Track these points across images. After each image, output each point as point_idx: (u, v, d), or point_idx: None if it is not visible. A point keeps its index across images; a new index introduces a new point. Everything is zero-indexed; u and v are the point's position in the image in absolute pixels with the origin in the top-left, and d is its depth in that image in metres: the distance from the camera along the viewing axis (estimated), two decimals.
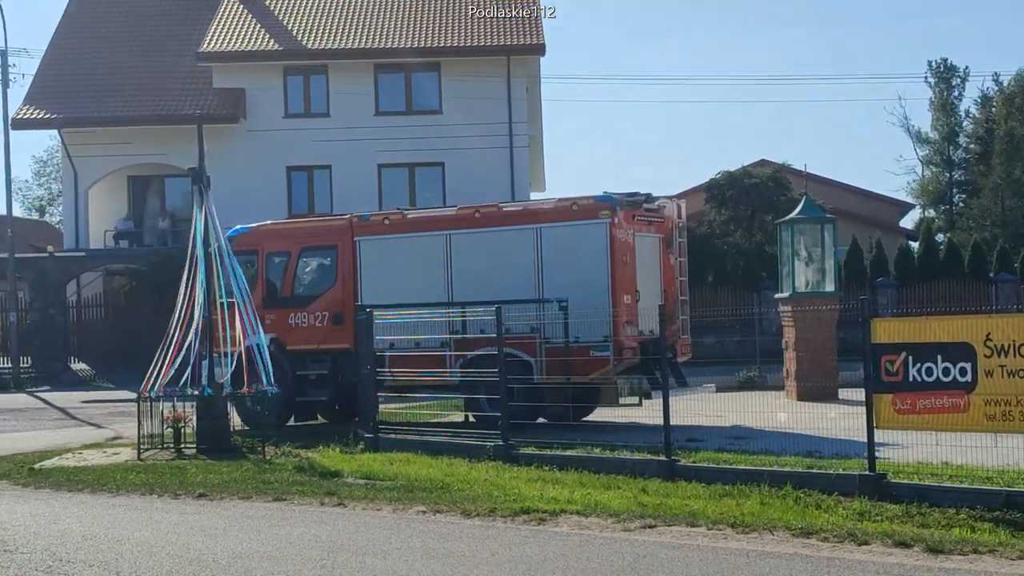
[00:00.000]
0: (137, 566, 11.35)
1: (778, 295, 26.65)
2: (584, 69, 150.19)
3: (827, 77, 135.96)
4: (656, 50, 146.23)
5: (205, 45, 44.06)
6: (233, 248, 23.51)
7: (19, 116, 43.75)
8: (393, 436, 20.25)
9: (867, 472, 14.31)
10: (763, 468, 15.29)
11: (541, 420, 21.91)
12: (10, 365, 40.05)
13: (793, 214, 27.00)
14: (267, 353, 20.93)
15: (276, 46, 44.46)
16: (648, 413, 19.23)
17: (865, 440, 14.38)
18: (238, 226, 25.43)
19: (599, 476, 16.15)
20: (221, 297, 20.95)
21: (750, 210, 43.22)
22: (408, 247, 22.64)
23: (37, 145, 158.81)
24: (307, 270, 24.94)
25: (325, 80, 44.60)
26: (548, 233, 21.88)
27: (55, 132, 46.91)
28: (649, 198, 22.60)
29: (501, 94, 43.83)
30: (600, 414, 22.38)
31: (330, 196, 44.13)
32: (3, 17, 41.28)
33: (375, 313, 20.95)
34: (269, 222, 26.78)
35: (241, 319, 20.76)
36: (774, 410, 20.90)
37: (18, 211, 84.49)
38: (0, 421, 27.47)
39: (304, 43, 44.53)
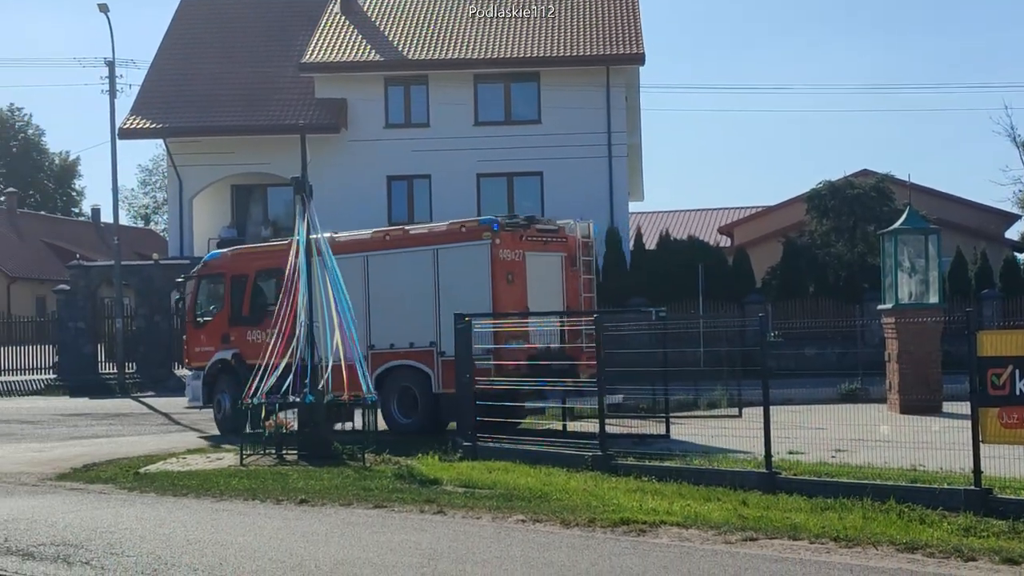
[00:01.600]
0: (240, 571, 11.47)
1: (881, 307, 26.28)
2: (684, 79, 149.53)
3: (931, 86, 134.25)
4: (757, 59, 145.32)
5: (308, 56, 44.52)
6: (203, 272, 25.33)
7: (126, 126, 44.54)
8: (491, 444, 20.28)
9: (973, 487, 14.07)
10: (866, 481, 15.09)
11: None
12: (116, 371, 40.74)
13: (896, 224, 26.62)
14: (363, 361, 21.10)
15: (377, 56, 44.80)
16: (746, 425, 19.09)
17: (971, 454, 14.14)
18: (211, 252, 26.53)
19: (698, 488, 16.03)
20: (324, 305, 21.14)
21: (852, 220, 42.65)
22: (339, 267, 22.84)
23: (143, 154, 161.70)
24: (261, 291, 26.44)
25: (425, 90, 44.84)
26: (443, 254, 23.66)
27: (160, 142, 47.72)
28: (533, 220, 24.25)
29: (600, 103, 43.76)
30: (691, 427, 22.21)
31: (429, 205, 44.34)
32: (111, 29, 42.04)
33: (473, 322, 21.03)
34: (235, 248, 28.72)
35: (341, 328, 20.92)
36: (876, 423, 20.66)
37: (124, 219, 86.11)
38: (106, 426, 27.96)
39: (405, 53, 44.82)
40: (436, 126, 44.36)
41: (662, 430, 21.06)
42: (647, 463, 17.77)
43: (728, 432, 19.26)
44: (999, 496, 13.98)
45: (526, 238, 23.61)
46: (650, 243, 45.67)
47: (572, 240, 24.34)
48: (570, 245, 24.27)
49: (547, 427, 22.89)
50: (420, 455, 20.34)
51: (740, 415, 22.47)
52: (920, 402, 23.48)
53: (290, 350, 20.98)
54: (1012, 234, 58.87)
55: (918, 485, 14.83)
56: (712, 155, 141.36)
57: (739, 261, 42.30)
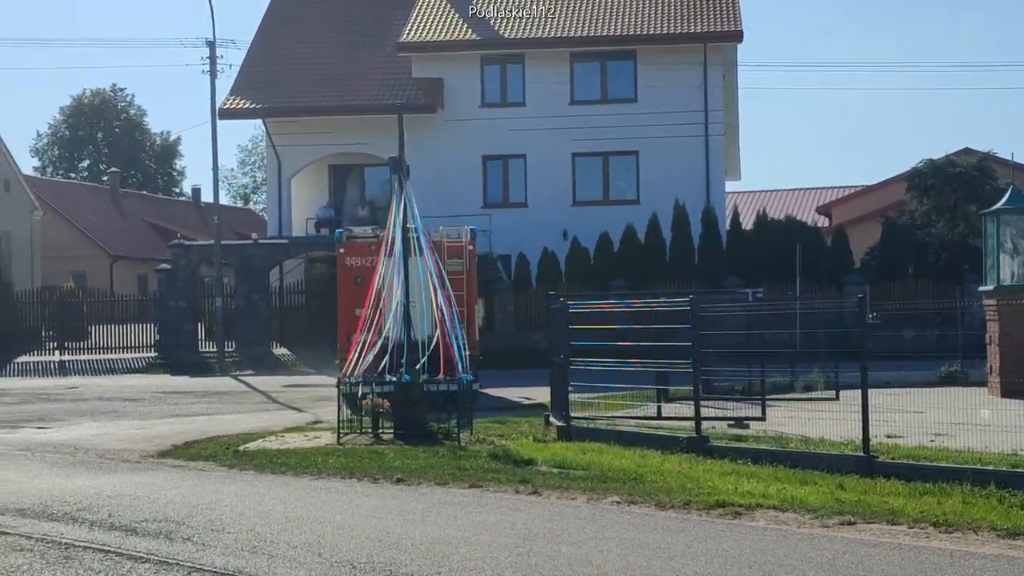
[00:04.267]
0: (338, 548, 11.60)
1: (982, 288, 25.88)
2: (782, 56, 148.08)
3: None
4: (855, 36, 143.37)
5: (405, 35, 44.74)
6: None
7: (226, 106, 45.05)
8: (585, 425, 20.31)
9: None
10: (965, 466, 14.90)
11: None
12: (215, 349, 41.33)
13: (999, 204, 26.16)
14: (464, 342, 21.21)
15: (474, 36, 44.89)
16: (843, 408, 18.93)
17: None
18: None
19: (794, 471, 15.92)
20: (420, 285, 21.30)
21: (953, 200, 42.08)
22: None
23: (242, 135, 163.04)
24: None
25: (521, 70, 44.88)
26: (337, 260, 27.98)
27: (259, 122, 48.26)
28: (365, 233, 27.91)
29: (697, 82, 43.52)
30: (787, 410, 22.04)
31: (524, 185, 44.44)
32: (212, 9, 42.59)
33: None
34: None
35: (438, 308, 21.06)
36: (976, 406, 20.37)
37: (224, 199, 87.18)
38: (206, 404, 28.38)
39: (501, 32, 44.87)
40: (532, 105, 44.40)
41: (758, 413, 20.95)
42: (743, 445, 17.70)
43: (825, 415, 19.09)
44: None
45: (374, 247, 25.03)
46: (747, 223, 45.37)
47: (441, 244, 25.58)
48: (439, 248, 24.80)
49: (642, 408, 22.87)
50: (514, 436, 20.45)
51: (837, 398, 22.24)
52: (1022, 386, 23.10)
53: (386, 329, 21.14)
54: None
55: (1019, 470, 14.62)
56: (810, 134, 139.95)
57: (837, 241, 41.92)
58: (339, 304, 27.45)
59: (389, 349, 21.11)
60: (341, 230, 28.83)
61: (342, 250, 27.67)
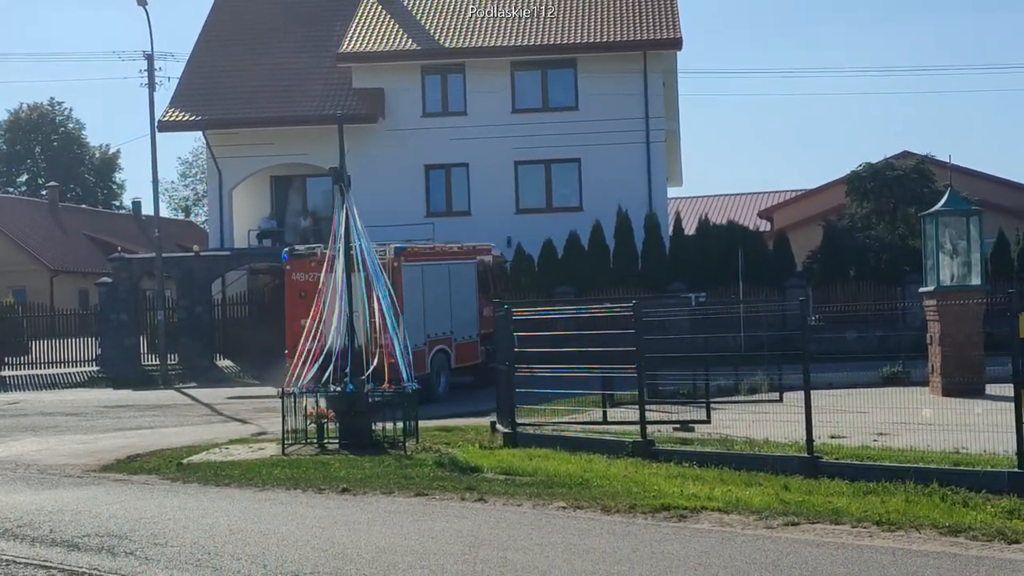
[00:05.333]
0: (283, 560, 11.54)
1: (922, 289, 26.14)
2: (722, 63, 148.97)
3: (971, 67, 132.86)
4: (795, 42, 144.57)
5: (345, 46, 44.60)
6: None
7: (165, 119, 44.71)
8: (531, 432, 20.33)
9: (1016, 469, 14.03)
10: (908, 465, 15.05)
11: None
12: (158, 362, 40.99)
13: (937, 206, 26.45)
14: (409, 351, 21.17)
15: (414, 46, 44.81)
16: (787, 409, 19.05)
17: (1014, 436, 14.06)
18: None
19: (739, 473, 16.02)
20: (362, 294, 21.26)
21: (892, 203, 42.41)
22: None
23: (183, 147, 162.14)
24: None
25: (462, 79, 44.82)
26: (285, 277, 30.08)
27: (200, 134, 47.87)
28: (319, 248, 28.66)
29: (638, 89, 43.64)
30: (732, 412, 22.14)
31: (467, 194, 44.39)
32: (149, 22, 42.23)
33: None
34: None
35: (382, 318, 21.03)
36: (918, 406, 20.55)
37: (165, 212, 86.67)
38: (150, 417, 28.14)
39: (441, 42, 44.83)
40: (473, 114, 44.35)
41: (703, 416, 21.04)
42: (688, 448, 17.78)
43: (769, 417, 19.22)
44: None
45: (315, 263, 27.40)
46: (689, 228, 45.53)
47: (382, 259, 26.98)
48: (387, 264, 26.96)
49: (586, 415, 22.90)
50: (460, 443, 20.43)
51: (781, 400, 22.39)
52: (962, 385, 23.36)
53: (329, 340, 21.09)
54: None
55: (961, 468, 14.78)
56: (751, 139, 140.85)
57: (779, 245, 42.13)
58: (287, 318, 28.81)
59: (333, 359, 21.07)
60: (287, 249, 30.69)
61: (288, 267, 29.51)
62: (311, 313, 21.80)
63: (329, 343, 21.15)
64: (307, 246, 30.82)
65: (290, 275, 29.39)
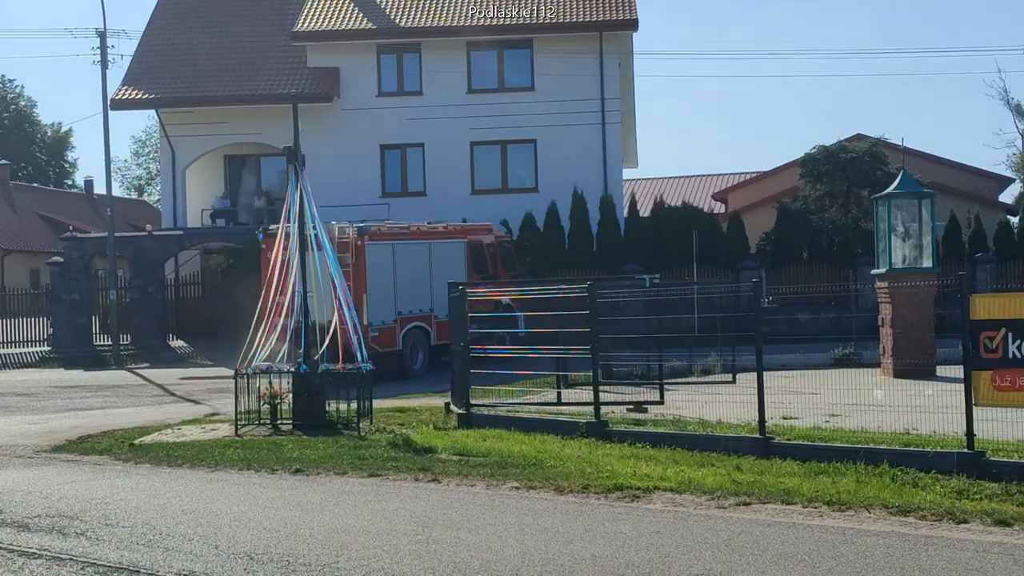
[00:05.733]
0: (235, 540, 11.51)
1: (874, 271, 26.31)
2: (678, 44, 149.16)
3: (925, 50, 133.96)
4: (751, 23, 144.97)
5: (299, 24, 44.34)
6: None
7: (118, 97, 44.32)
8: (485, 413, 20.35)
9: (965, 450, 14.15)
10: (859, 446, 15.18)
11: None
12: (111, 343, 40.74)
13: (890, 189, 26.61)
14: (360, 331, 21.14)
15: (369, 24, 44.61)
16: (740, 390, 19.15)
17: (963, 418, 14.20)
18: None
19: (692, 453, 16.11)
20: (317, 275, 21.20)
21: (846, 185, 42.63)
22: None
23: (136, 125, 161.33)
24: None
25: (418, 58, 44.67)
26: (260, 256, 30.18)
27: (153, 112, 47.53)
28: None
29: (593, 70, 43.64)
30: (685, 394, 22.24)
31: (423, 174, 44.29)
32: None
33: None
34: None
35: (335, 297, 20.99)
36: (870, 387, 20.71)
37: (117, 191, 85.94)
38: (101, 398, 27.97)
39: (397, 21, 44.65)
40: (429, 94, 44.23)
41: (657, 397, 21.13)
42: (642, 429, 17.86)
43: (723, 398, 19.33)
44: (992, 459, 14.07)
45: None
46: (644, 210, 45.65)
47: (347, 240, 29.32)
48: (345, 244, 29.03)
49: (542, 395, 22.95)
50: (415, 424, 20.43)
51: (734, 381, 22.51)
52: (913, 366, 23.54)
53: (282, 318, 21.04)
54: (1006, 197, 58.89)
55: (911, 449, 14.91)
56: (706, 121, 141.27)
57: (733, 227, 42.31)
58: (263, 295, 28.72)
59: (287, 339, 21.02)
60: (261, 228, 32.02)
61: (263, 246, 29.91)
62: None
63: (281, 322, 21.12)
64: (277, 225, 30.78)
65: (265, 253, 29.46)
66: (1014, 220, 44.58)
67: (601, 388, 19.11)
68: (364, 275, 29.42)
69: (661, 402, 20.79)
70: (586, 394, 20.00)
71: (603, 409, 18.73)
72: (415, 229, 32.61)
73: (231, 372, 21.26)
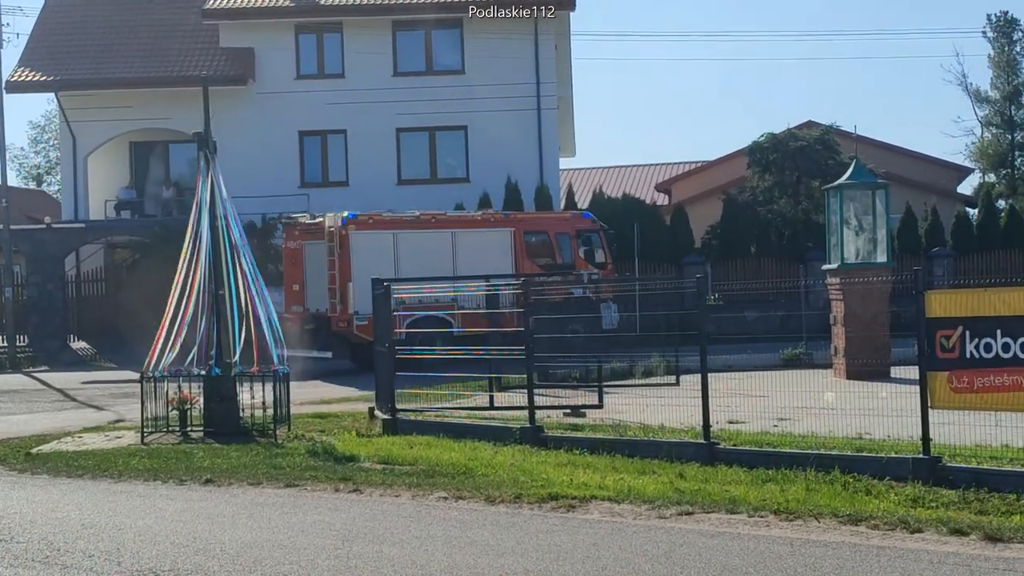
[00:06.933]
0: (139, 556, 11.41)
1: (826, 266, 26.53)
2: (618, 25, 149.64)
3: (879, 32, 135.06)
4: (696, 5, 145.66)
5: (211, 2, 44.04)
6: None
7: (13, 79, 43.79)
8: (412, 418, 20.31)
9: (921, 455, 14.29)
10: (809, 451, 15.28)
11: None
12: (6, 344, 40.28)
13: (842, 179, 26.83)
14: (279, 331, 21.02)
15: (287, 2, 44.36)
16: (684, 393, 19.24)
17: (919, 421, 14.33)
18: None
19: (633, 460, 16.16)
20: (229, 270, 21.03)
21: (796, 175, 42.97)
22: None
23: (34, 110, 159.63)
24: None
25: (340, 39, 44.48)
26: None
27: (52, 96, 46.97)
28: (295, 217, 35.10)
29: (528, 53, 43.67)
30: (626, 396, 22.31)
31: (345, 163, 44.14)
32: None
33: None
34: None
35: (250, 294, 20.84)
36: (821, 389, 20.87)
37: (13, 180, 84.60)
38: None
39: None
40: (352, 77, 44.07)
41: (595, 400, 21.17)
42: (579, 435, 17.90)
43: (665, 401, 19.40)
44: (949, 464, 14.20)
45: (300, 232, 33.71)
46: (583, 202, 45.76)
47: (333, 231, 32.20)
48: (331, 236, 32.20)
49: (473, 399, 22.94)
50: (336, 431, 20.35)
51: (678, 383, 22.64)
52: (867, 367, 23.76)
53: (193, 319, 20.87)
54: (965, 188, 59.62)
55: (864, 454, 15.04)
56: (649, 108, 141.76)
57: (677, 220, 42.55)
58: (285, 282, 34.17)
59: (198, 341, 20.85)
60: (284, 218, 36.43)
61: (284, 235, 34.85)
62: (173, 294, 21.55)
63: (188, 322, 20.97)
64: (300, 214, 35.66)
65: (286, 243, 34.41)
66: (973, 212, 45.10)
67: (537, 391, 19.15)
68: (349, 264, 31.66)
69: (600, 406, 20.84)
70: (521, 398, 20.00)
71: (538, 414, 18.76)
72: (429, 218, 33.82)
73: (137, 375, 21.06)
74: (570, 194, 44.13)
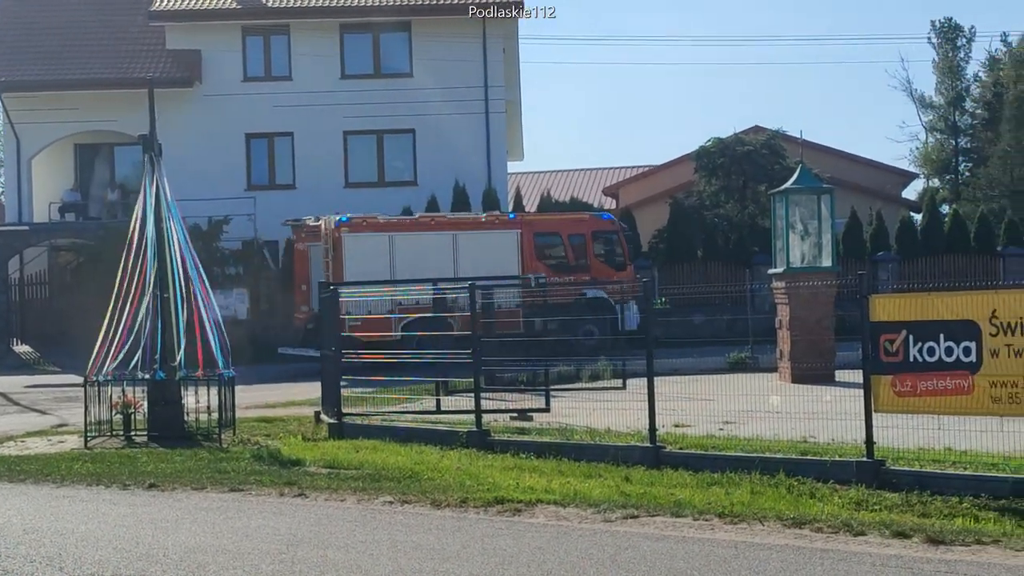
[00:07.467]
0: (81, 561, 11.32)
1: (772, 271, 26.65)
2: (566, 30, 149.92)
3: (824, 37, 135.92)
4: (643, 10, 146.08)
5: (157, 3, 43.79)
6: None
7: None
8: (359, 422, 20.25)
9: (865, 459, 14.38)
10: (754, 455, 15.34)
11: None
12: None
13: (788, 184, 26.97)
14: (224, 334, 20.92)
15: (234, 4, 44.17)
16: (630, 397, 19.28)
17: (863, 424, 14.42)
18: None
19: (579, 464, 16.18)
20: (174, 273, 20.91)
21: (742, 180, 43.19)
22: None
23: None
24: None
25: (287, 41, 44.32)
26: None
27: None
28: (302, 220, 35.90)
29: (476, 56, 43.67)
30: (573, 400, 22.34)
31: (292, 165, 43.97)
32: None
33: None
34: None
35: (195, 298, 20.73)
36: (766, 393, 20.96)
37: None
38: None
39: (264, 1, 44.28)
40: (299, 80, 43.92)
41: (543, 404, 21.16)
42: (526, 439, 17.90)
43: (612, 405, 19.42)
44: (892, 468, 14.30)
45: (307, 234, 34.93)
46: (530, 205, 45.87)
47: (331, 233, 33.32)
48: (329, 237, 33.28)
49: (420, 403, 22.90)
50: (282, 435, 20.28)
51: (624, 387, 22.68)
52: (812, 370, 23.88)
53: (137, 322, 20.73)
54: (909, 193, 60.09)
55: (809, 458, 15.12)
56: (596, 112, 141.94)
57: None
58: (295, 281, 35.89)
59: (142, 344, 20.72)
60: (292, 222, 36.70)
61: (294, 236, 36.37)
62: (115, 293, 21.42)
63: (136, 326, 20.83)
64: (308, 217, 35.92)
65: (296, 244, 36.13)
66: (917, 217, 45.43)
67: (483, 395, 19.15)
68: (342, 267, 32.61)
69: (547, 409, 20.83)
70: (467, 402, 19.99)
71: (485, 417, 18.79)
72: (428, 220, 35.06)
73: (81, 379, 20.92)
74: (518, 197, 44.18)
